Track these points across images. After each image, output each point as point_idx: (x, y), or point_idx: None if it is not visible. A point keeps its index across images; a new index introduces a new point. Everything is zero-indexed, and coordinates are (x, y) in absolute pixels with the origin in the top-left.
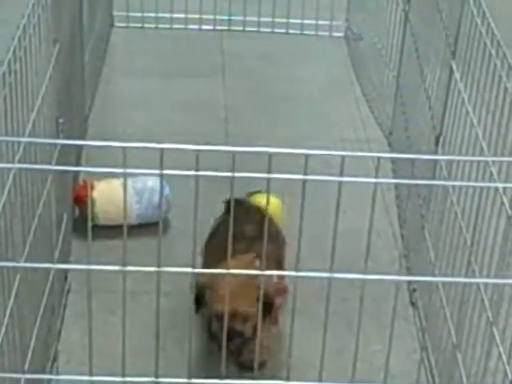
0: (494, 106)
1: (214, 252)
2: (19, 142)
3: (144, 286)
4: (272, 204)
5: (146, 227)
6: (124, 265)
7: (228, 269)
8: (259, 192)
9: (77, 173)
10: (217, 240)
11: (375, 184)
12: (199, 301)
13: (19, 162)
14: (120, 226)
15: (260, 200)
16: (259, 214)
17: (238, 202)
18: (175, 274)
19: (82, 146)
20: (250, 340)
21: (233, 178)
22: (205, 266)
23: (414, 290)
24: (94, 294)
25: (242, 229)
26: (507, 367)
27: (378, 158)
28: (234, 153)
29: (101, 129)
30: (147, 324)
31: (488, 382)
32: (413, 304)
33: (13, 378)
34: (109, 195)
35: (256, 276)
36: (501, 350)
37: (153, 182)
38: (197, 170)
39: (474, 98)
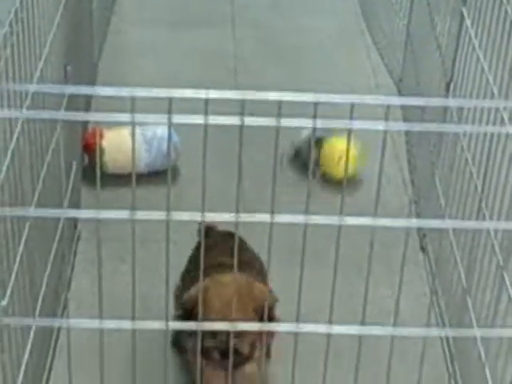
0: (504, 51)
1: (193, 280)
2: (27, 91)
3: (153, 234)
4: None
5: (155, 176)
6: (133, 212)
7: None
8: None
9: (86, 121)
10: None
11: (385, 130)
12: (188, 316)
13: (27, 110)
14: (129, 175)
15: (336, 144)
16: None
17: (210, 228)
18: (184, 221)
19: (91, 94)
20: (244, 361)
21: (242, 125)
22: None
23: (424, 235)
24: (104, 242)
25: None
26: None
27: (388, 104)
28: (243, 100)
29: (110, 77)
30: (157, 271)
31: (497, 325)
32: (423, 249)
33: (24, 324)
34: (118, 144)
35: (250, 287)
36: (511, 293)
37: (162, 131)
38: (206, 118)
39: (485, 44)
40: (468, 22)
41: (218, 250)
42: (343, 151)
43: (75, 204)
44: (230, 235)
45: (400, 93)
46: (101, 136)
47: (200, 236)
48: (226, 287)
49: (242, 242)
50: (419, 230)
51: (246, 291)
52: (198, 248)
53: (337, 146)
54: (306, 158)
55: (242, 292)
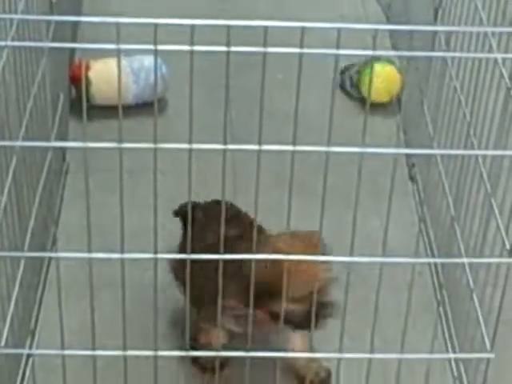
0: None
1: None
2: (12, 20)
3: (142, 164)
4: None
5: (144, 107)
6: (120, 142)
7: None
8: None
9: (73, 52)
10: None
11: (372, 57)
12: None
13: (12, 39)
14: (117, 106)
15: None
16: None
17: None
18: (173, 152)
19: (77, 24)
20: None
21: (228, 52)
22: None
23: (413, 165)
24: (93, 173)
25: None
26: (505, 238)
27: (376, 30)
28: (229, 26)
29: (96, 8)
30: (146, 202)
31: (486, 253)
32: (412, 179)
33: (13, 257)
34: (105, 75)
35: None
36: (499, 221)
37: (149, 62)
38: (192, 45)
39: None
40: None
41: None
42: (385, 76)
43: (63, 136)
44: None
45: (389, 20)
46: (88, 67)
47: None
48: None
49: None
50: (408, 159)
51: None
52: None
53: (377, 71)
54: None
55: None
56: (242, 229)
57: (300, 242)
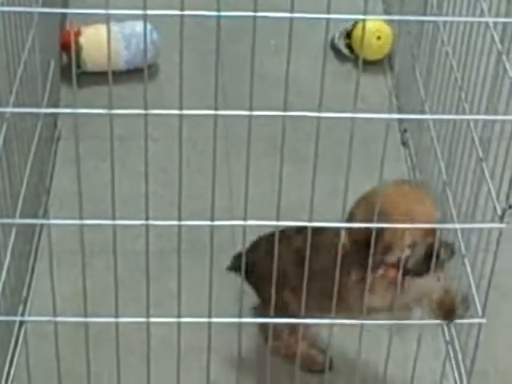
0: None
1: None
2: None
3: (133, 132)
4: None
5: (136, 73)
6: (110, 108)
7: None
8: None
9: (64, 18)
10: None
11: (364, 20)
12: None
13: (1, 4)
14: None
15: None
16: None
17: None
18: (164, 118)
19: None
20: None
21: (219, 17)
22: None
23: (405, 130)
24: (84, 140)
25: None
26: (496, 203)
27: None
28: None
29: None
30: (137, 169)
31: (478, 218)
32: (404, 144)
33: (4, 224)
34: (96, 41)
35: None
36: (490, 186)
37: (141, 27)
38: (182, 11)
39: None
40: None
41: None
42: (376, 31)
43: (55, 103)
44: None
45: None
46: (78, 33)
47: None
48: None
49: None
50: (400, 124)
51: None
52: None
53: (368, 27)
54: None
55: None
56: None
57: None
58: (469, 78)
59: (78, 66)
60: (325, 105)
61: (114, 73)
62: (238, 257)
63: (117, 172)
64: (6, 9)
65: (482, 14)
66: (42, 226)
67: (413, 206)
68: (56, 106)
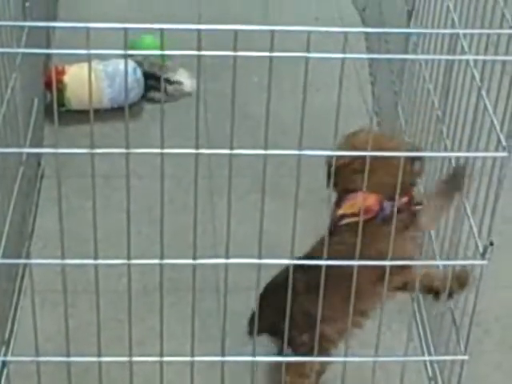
0: None
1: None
2: None
3: (118, 169)
4: None
5: (119, 111)
6: (92, 147)
7: None
8: None
9: (48, 57)
10: None
11: (343, 59)
12: None
13: None
14: (93, 111)
15: None
16: None
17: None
18: (148, 156)
19: (52, 30)
20: None
21: (199, 56)
22: None
23: None
24: (69, 179)
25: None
26: (478, 240)
27: (345, 34)
28: (199, 30)
29: (72, 13)
30: (122, 207)
31: (460, 255)
32: None
33: None
34: (80, 79)
35: None
36: (472, 222)
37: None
38: (162, 50)
39: None
40: None
41: None
42: None
43: (38, 141)
44: None
45: (364, 22)
46: (63, 72)
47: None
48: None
49: None
50: None
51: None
52: None
53: None
54: None
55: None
56: None
57: None
58: (450, 114)
59: (63, 104)
60: (307, 141)
61: (97, 111)
62: (252, 319)
63: (100, 210)
64: None
65: (462, 52)
66: (25, 265)
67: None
68: (39, 144)
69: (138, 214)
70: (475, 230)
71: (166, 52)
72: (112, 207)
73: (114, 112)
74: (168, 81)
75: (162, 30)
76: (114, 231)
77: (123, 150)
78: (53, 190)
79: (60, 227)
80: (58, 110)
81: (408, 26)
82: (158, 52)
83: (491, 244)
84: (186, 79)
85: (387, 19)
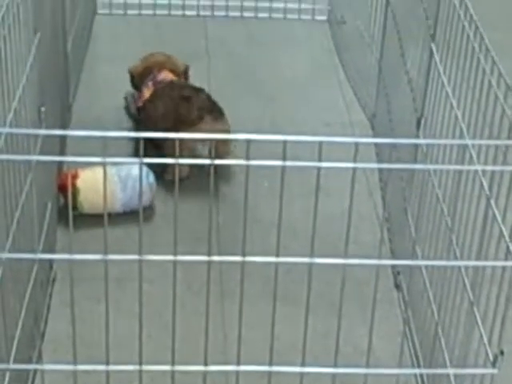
0: (472, 87)
1: None
2: (0, 133)
3: (130, 273)
4: None
5: (132, 214)
6: (105, 253)
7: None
8: None
9: (61, 161)
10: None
11: (353, 169)
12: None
13: (1, 151)
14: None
15: None
16: None
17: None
18: (159, 260)
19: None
20: None
21: (212, 165)
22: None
23: (399, 272)
24: (80, 282)
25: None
26: (488, 348)
27: (356, 144)
28: (211, 139)
29: (85, 116)
30: (133, 311)
31: (470, 362)
32: (397, 287)
33: None
34: (93, 184)
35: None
36: (482, 330)
37: (137, 170)
38: (177, 158)
39: (454, 80)
40: (437, 58)
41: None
42: None
43: (51, 245)
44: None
45: (373, 129)
46: (76, 176)
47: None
48: None
49: None
50: (393, 267)
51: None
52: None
53: None
54: None
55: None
56: None
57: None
58: (459, 221)
59: (75, 207)
60: (318, 247)
61: (110, 215)
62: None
63: (112, 314)
64: (4, 157)
65: (471, 161)
66: (35, 369)
67: None
68: (52, 248)
69: (149, 318)
70: (485, 338)
71: (181, 161)
72: (123, 311)
73: (126, 216)
74: None
75: (173, 138)
76: (126, 335)
77: (136, 257)
78: (64, 294)
79: (72, 333)
80: (71, 213)
81: (417, 134)
82: (173, 161)
83: (502, 353)
84: None
85: (396, 126)
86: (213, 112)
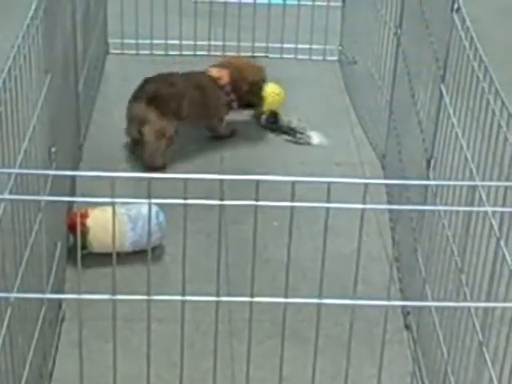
0: (482, 128)
1: None
2: (10, 174)
3: (138, 312)
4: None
5: (141, 254)
6: (114, 293)
7: None
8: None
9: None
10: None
11: (362, 210)
12: None
13: (11, 191)
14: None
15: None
16: None
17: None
18: (168, 300)
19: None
20: None
21: (222, 205)
22: None
23: (408, 312)
24: (89, 321)
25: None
26: None
27: (366, 185)
28: (222, 180)
29: (96, 156)
30: (141, 350)
31: None
32: (407, 327)
33: None
34: (103, 223)
35: None
36: (492, 372)
37: (147, 210)
38: (185, 199)
39: (463, 121)
40: (447, 99)
41: None
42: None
43: (60, 284)
44: None
45: (384, 169)
46: (86, 215)
47: None
48: None
49: None
50: (403, 307)
51: None
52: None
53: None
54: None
55: None
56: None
57: None
58: (469, 262)
59: (85, 246)
60: (327, 288)
61: (119, 254)
62: None
63: (120, 353)
64: (14, 197)
65: (481, 202)
66: None
67: None
68: (61, 287)
69: (157, 358)
70: (495, 379)
71: (189, 201)
72: (131, 350)
73: (135, 255)
74: (297, 131)
75: (185, 179)
76: (134, 375)
77: (144, 297)
78: (73, 333)
79: (80, 372)
80: (80, 252)
81: (427, 174)
82: (180, 201)
83: None
84: (314, 135)
85: (407, 166)
86: None
